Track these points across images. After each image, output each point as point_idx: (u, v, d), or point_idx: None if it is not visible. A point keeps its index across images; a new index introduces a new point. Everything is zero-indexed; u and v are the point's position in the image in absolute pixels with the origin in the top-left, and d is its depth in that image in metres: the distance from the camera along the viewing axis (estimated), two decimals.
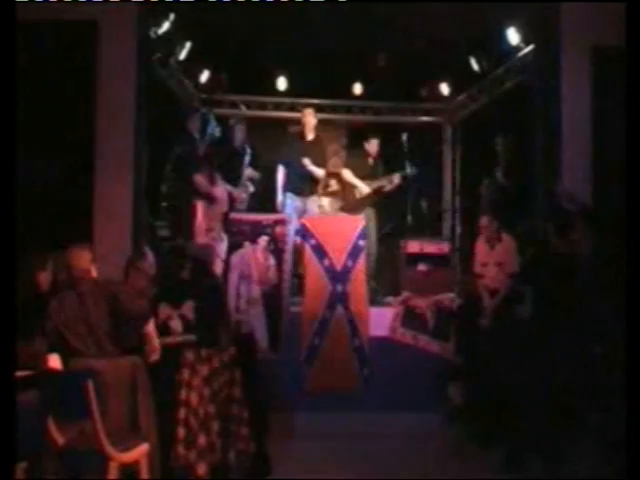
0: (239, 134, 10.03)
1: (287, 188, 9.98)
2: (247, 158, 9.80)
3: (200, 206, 9.11)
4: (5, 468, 4.07)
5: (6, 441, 4.05)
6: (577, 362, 6.08)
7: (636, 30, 5.11)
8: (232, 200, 9.47)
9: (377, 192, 9.99)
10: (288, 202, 9.86)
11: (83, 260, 5.44)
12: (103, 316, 5.29)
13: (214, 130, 10.37)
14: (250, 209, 9.73)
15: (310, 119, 10.10)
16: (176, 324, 5.98)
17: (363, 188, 9.87)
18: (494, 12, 8.55)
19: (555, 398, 6.14)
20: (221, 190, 9.23)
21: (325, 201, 10.00)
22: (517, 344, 6.63)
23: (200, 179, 9.14)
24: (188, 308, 5.99)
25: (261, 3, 8.31)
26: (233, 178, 9.62)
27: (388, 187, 10.05)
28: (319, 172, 9.95)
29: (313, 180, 9.98)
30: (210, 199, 9.07)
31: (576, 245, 6.53)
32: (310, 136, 10.07)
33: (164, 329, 5.93)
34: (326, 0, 8.45)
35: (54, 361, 5.20)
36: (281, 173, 10.02)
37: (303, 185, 9.99)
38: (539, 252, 6.86)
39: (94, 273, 5.49)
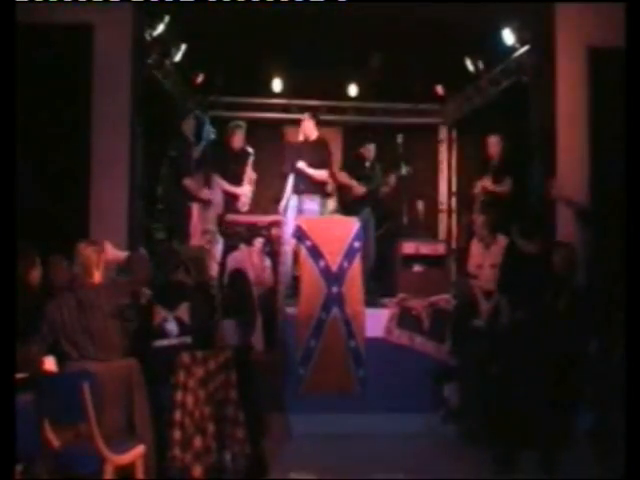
0: (239, 137, 9.98)
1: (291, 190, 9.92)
2: (250, 160, 9.78)
3: (195, 208, 9.11)
4: (4, 470, 4.06)
5: (5, 443, 4.04)
6: (571, 362, 6.09)
7: (635, 30, 5.11)
8: (236, 202, 9.48)
9: (373, 193, 9.97)
10: (290, 204, 9.81)
11: (88, 256, 5.43)
12: (100, 322, 5.28)
13: (209, 132, 10.36)
14: (248, 210, 9.74)
15: (308, 124, 9.97)
16: (171, 326, 5.97)
17: (359, 189, 9.87)
18: (490, 12, 8.54)
19: (549, 397, 6.14)
20: (217, 193, 9.22)
21: (323, 202, 9.96)
22: (512, 345, 6.63)
23: (190, 183, 9.12)
24: (183, 310, 5.98)
25: (258, 3, 8.28)
26: (235, 180, 9.61)
27: (384, 189, 10.05)
28: (318, 174, 9.86)
29: (312, 182, 9.92)
30: (201, 202, 9.05)
31: (542, 246, 6.57)
32: (309, 139, 9.97)
33: (159, 331, 5.93)
34: (325, 0, 8.42)
35: (50, 363, 5.20)
36: (291, 177, 9.93)
37: (302, 187, 9.92)
38: (508, 253, 6.89)
39: (97, 278, 5.47)
